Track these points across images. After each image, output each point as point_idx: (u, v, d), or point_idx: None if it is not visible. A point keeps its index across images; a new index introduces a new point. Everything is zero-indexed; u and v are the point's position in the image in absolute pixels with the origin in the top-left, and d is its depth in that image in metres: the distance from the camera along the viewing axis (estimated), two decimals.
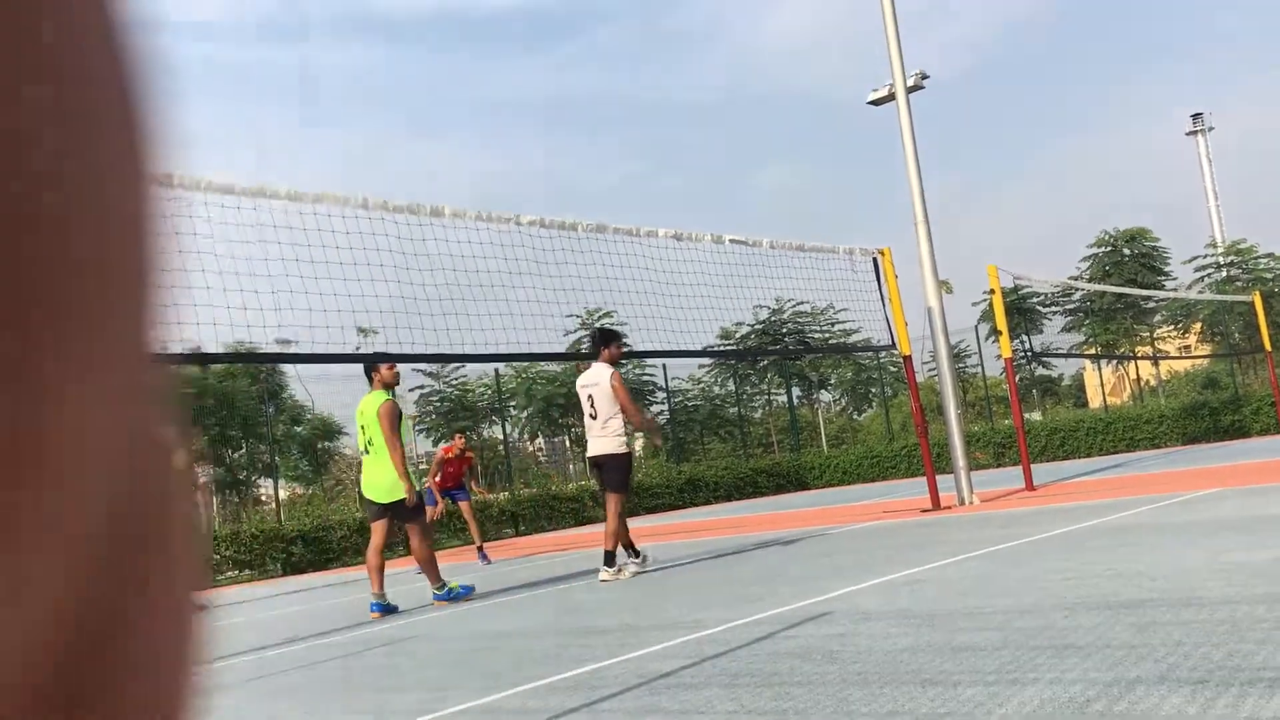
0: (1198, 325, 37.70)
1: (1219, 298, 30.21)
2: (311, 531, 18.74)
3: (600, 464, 8.53)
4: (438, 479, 13.08)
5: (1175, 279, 36.83)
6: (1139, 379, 36.88)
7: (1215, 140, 73.75)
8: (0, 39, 0.20)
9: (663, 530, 15.05)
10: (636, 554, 8.70)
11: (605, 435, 8.45)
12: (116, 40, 0.23)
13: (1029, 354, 33.43)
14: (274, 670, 5.79)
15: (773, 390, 38.60)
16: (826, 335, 38.17)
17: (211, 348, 7.62)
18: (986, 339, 32.85)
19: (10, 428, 0.19)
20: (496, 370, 27.79)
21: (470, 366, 30.48)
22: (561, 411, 34.19)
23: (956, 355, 34.03)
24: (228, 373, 27.84)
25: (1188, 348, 39.14)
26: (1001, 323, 13.60)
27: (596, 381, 8.52)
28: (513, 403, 33.97)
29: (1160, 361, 38.58)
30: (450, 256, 8.36)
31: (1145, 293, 29.40)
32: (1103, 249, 36.67)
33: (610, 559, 8.25)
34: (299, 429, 31.33)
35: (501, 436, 29.52)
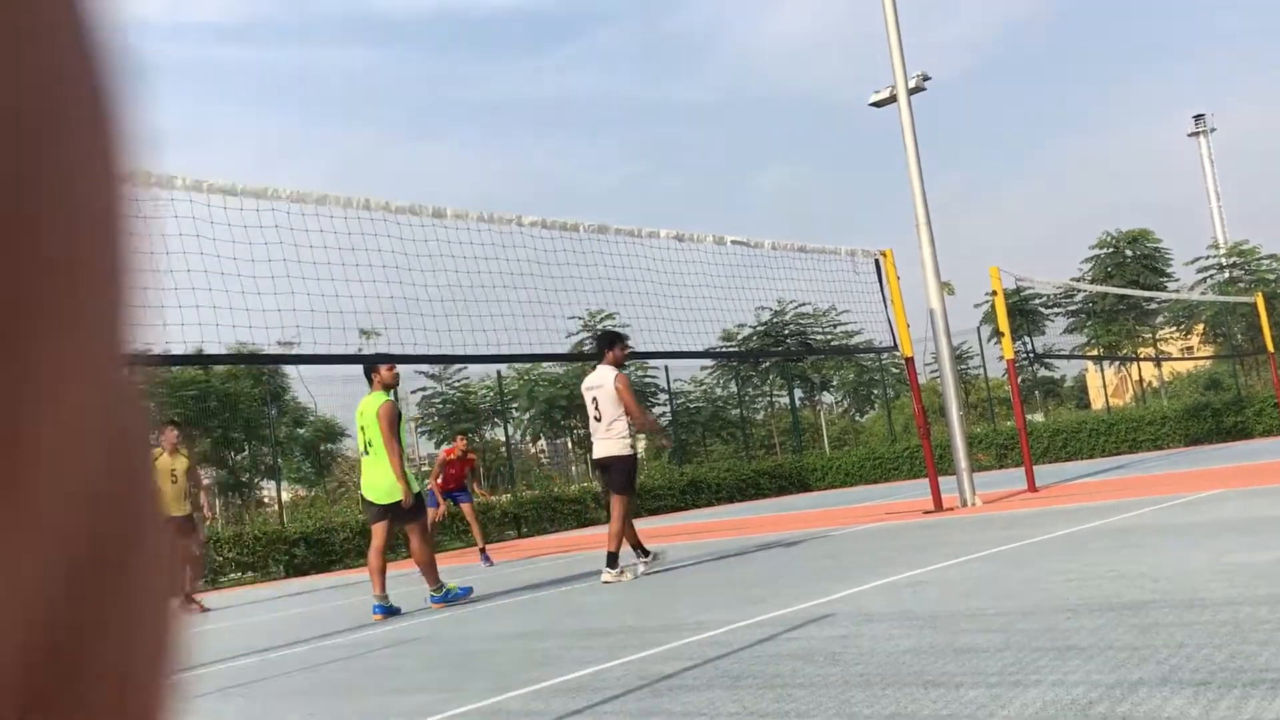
0: (1200, 326, 37.67)
1: (1221, 299, 30.17)
2: (314, 533, 18.75)
3: (605, 466, 8.54)
4: (439, 481, 13.08)
5: (1177, 280, 36.79)
6: (1141, 380, 36.88)
7: (1217, 141, 73.67)
8: None
9: (665, 532, 15.05)
10: (646, 554, 8.70)
11: (610, 437, 8.46)
12: (86, 38, 0.23)
13: (1031, 355, 33.41)
14: (277, 672, 5.79)
15: (775, 392, 38.57)
16: (828, 337, 38.11)
17: (214, 349, 7.63)
18: (988, 340, 32.80)
19: None
20: (499, 372, 27.79)
21: (472, 368, 30.51)
22: (564, 413, 34.19)
23: (958, 357, 34.04)
24: (230, 374, 27.84)
25: (1190, 349, 39.13)
26: (1004, 324, 13.59)
27: (600, 384, 8.52)
28: (515, 405, 33.96)
29: (1163, 363, 38.54)
30: (452, 258, 8.38)
31: (1147, 294, 29.39)
32: (1105, 250, 36.63)
33: (613, 560, 8.25)
34: (301, 431, 31.34)
35: (504, 438, 29.52)
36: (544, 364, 31.67)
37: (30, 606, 0.22)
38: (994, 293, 13.56)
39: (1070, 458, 25.26)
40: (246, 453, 29.96)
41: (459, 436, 13.56)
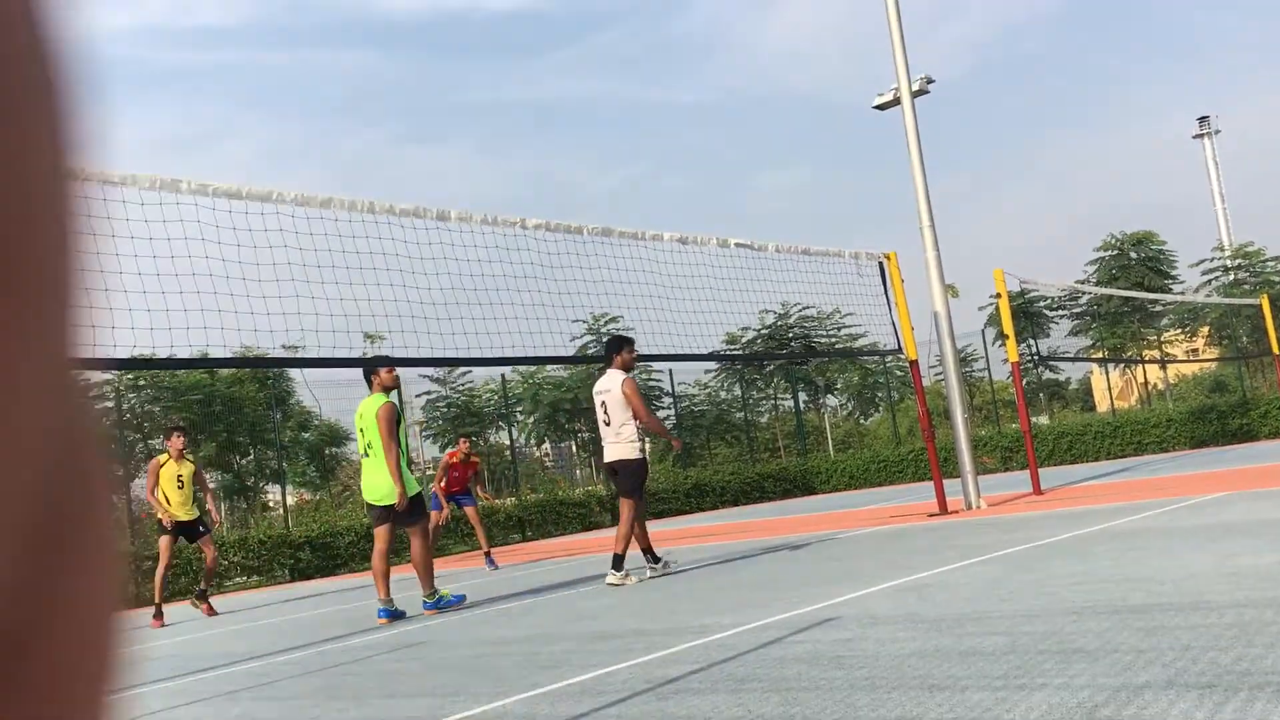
0: (1205, 329, 37.58)
1: (1226, 301, 30.11)
2: (319, 537, 18.78)
3: (615, 469, 8.56)
4: (443, 484, 13.08)
5: (1182, 282, 36.69)
6: (1146, 382, 36.80)
7: (1221, 143, 73.54)
8: None
9: (670, 535, 15.04)
10: (656, 560, 8.70)
11: (619, 441, 8.47)
12: (34, 32, 0.22)
13: (1036, 358, 33.34)
14: (282, 676, 5.79)
15: (779, 395, 38.51)
16: (833, 339, 38.06)
17: (219, 352, 7.64)
18: (993, 343, 32.77)
19: None
20: (503, 375, 27.78)
21: (477, 371, 30.48)
22: (568, 417, 34.15)
23: (963, 359, 34.00)
24: (235, 378, 27.86)
25: (1195, 351, 39.00)
26: (1008, 326, 13.58)
27: (609, 388, 8.54)
28: (519, 408, 33.94)
29: (1168, 365, 38.47)
30: (456, 260, 8.38)
31: (1152, 296, 29.32)
32: (1109, 252, 36.55)
33: (619, 562, 8.25)
34: (306, 435, 31.34)
35: (508, 442, 29.52)
36: (548, 367, 31.64)
37: None
38: (999, 295, 13.55)
39: (1075, 460, 25.22)
40: (251, 457, 29.94)
41: (462, 440, 13.53)
